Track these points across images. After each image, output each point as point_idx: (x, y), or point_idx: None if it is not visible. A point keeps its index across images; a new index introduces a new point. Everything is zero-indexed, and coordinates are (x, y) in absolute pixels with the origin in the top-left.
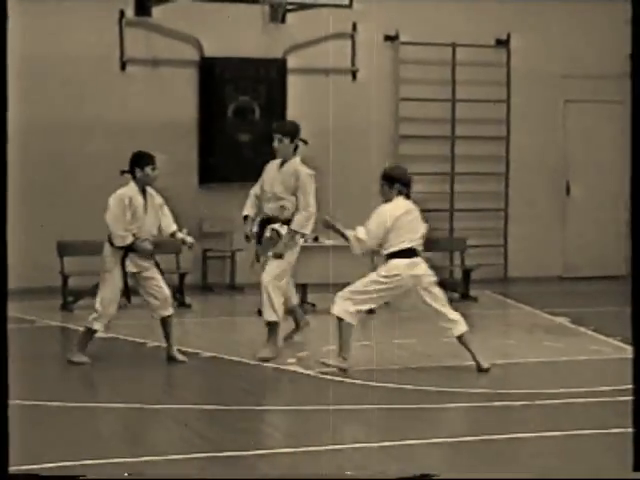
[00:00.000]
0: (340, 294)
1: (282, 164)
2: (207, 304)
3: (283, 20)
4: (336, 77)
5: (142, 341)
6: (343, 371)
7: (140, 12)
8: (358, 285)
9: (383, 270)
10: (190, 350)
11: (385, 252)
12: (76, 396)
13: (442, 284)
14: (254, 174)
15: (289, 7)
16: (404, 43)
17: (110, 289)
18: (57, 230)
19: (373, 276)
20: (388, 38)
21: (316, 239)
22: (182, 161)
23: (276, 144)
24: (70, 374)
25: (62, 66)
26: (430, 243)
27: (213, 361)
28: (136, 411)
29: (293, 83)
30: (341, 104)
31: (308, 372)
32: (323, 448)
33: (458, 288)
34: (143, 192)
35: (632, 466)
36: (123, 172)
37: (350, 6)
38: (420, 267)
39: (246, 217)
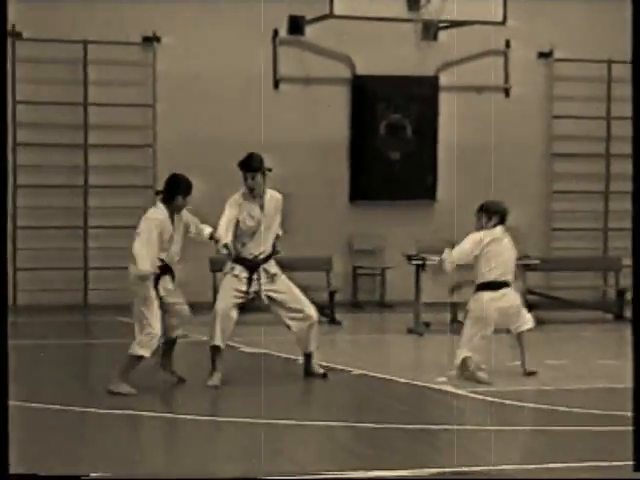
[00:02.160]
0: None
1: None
2: (357, 321)
3: (435, 37)
4: (489, 94)
5: (293, 357)
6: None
7: (293, 31)
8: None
9: (472, 304)
10: (340, 367)
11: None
12: (230, 411)
13: (596, 305)
14: (405, 192)
15: (441, 24)
16: (558, 60)
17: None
18: (210, 246)
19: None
20: (542, 55)
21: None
22: (333, 178)
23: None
24: (221, 388)
25: (216, 84)
26: (583, 262)
27: (363, 379)
28: (286, 427)
29: (445, 100)
30: (493, 121)
31: (458, 391)
32: (472, 469)
33: (612, 309)
34: (171, 217)
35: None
36: (158, 193)
37: (504, 23)
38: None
39: None
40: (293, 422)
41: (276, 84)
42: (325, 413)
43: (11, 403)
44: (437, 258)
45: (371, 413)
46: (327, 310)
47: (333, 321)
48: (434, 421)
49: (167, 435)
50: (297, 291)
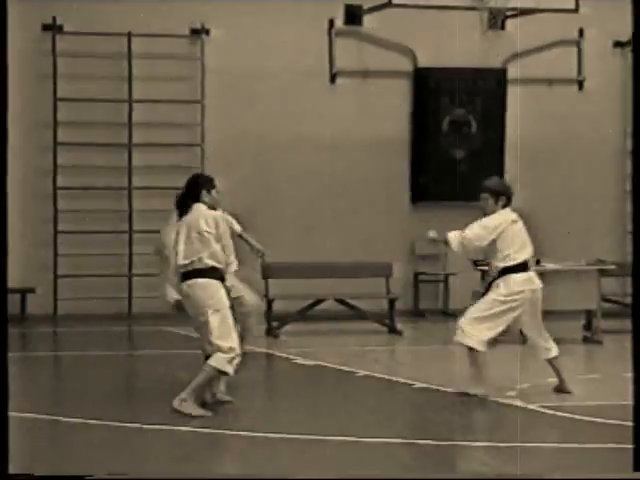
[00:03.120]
0: (464, 321)
1: None
2: (419, 331)
3: (502, 27)
4: (560, 87)
5: (350, 369)
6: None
7: (350, 21)
8: (481, 308)
9: (503, 288)
10: (401, 380)
11: (502, 266)
12: (285, 427)
13: None
14: (470, 192)
15: (509, 13)
16: None
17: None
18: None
19: (492, 296)
20: (618, 44)
21: (538, 262)
22: (393, 178)
23: None
24: (274, 403)
25: (268, 78)
26: None
27: (425, 392)
28: (341, 444)
29: (513, 94)
30: (565, 116)
31: (529, 406)
32: None
33: None
34: None
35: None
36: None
37: (576, 10)
38: (536, 281)
39: None
40: (349, 439)
41: (332, 78)
42: (384, 429)
43: (51, 418)
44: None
45: (434, 429)
46: (387, 319)
47: (393, 330)
48: (502, 438)
49: (212, 449)
50: None
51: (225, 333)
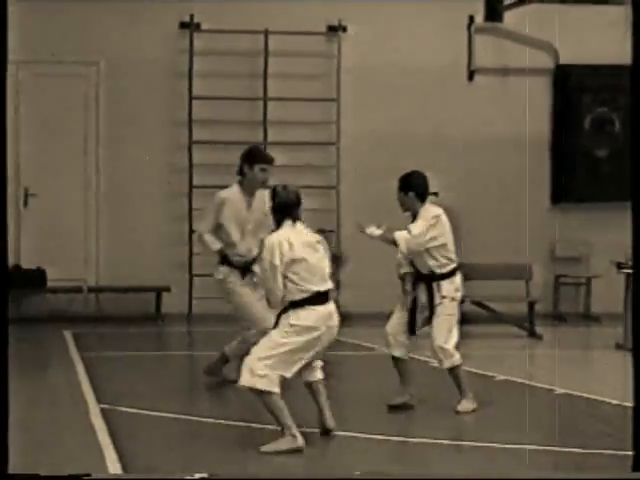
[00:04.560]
0: (247, 360)
1: None
2: (559, 335)
3: None
4: None
5: (488, 374)
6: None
7: (491, 17)
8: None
9: (292, 320)
10: (540, 385)
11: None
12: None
13: None
14: (613, 192)
15: None
16: None
17: None
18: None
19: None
20: None
21: None
22: (533, 178)
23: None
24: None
25: (405, 76)
26: None
27: (567, 398)
28: (480, 450)
29: None
30: None
31: None
32: None
33: None
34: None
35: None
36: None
37: None
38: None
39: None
40: (487, 444)
41: (471, 75)
42: (524, 435)
43: (185, 417)
44: None
45: (576, 437)
46: (526, 322)
47: (533, 334)
48: None
49: (356, 454)
50: None
51: None
